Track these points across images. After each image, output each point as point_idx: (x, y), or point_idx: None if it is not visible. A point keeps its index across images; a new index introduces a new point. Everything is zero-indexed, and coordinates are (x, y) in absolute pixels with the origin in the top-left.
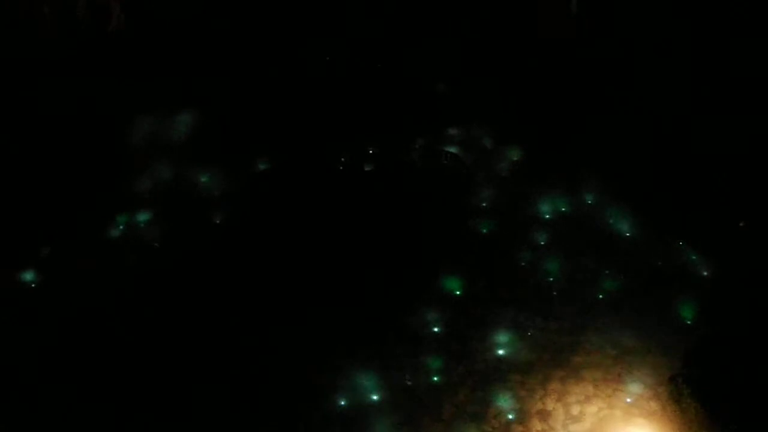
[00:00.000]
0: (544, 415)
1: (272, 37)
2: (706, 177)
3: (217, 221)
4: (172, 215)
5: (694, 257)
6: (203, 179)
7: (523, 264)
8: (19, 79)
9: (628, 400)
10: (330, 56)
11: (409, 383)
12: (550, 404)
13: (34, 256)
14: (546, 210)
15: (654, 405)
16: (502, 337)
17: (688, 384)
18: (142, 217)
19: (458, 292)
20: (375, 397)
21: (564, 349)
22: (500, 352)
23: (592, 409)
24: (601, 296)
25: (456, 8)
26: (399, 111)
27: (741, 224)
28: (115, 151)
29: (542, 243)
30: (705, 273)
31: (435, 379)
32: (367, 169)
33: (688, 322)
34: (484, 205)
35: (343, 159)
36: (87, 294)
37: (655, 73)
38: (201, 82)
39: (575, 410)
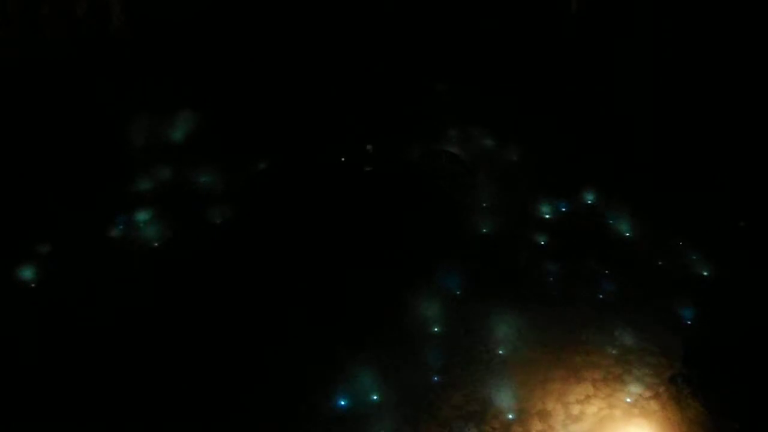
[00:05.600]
0: (544, 415)
1: (272, 38)
2: (706, 177)
3: (217, 221)
4: (172, 215)
5: (694, 257)
6: (203, 179)
7: (523, 264)
8: (19, 79)
9: (628, 400)
10: (331, 58)
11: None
12: (550, 404)
13: (34, 256)
14: (546, 210)
15: (654, 405)
16: (502, 337)
17: (688, 384)
18: (142, 217)
19: (458, 292)
20: (375, 397)
21: (564, 349)
22: (500, 351)
23: (592, 409)
24: (601, 296)
25: (456, 8)
26: (399, 111)
27: (741, 224)
28: (115, 151)
29: (542, 243)
30: (705, 273)
31: (435, 379)
32: (367, 169)
33: (688, 322)
34: (484, 205)
35: (342, 159)
36: (87, 293)
37: (656, 73)
38: (201, 82)
39: (575, 410)
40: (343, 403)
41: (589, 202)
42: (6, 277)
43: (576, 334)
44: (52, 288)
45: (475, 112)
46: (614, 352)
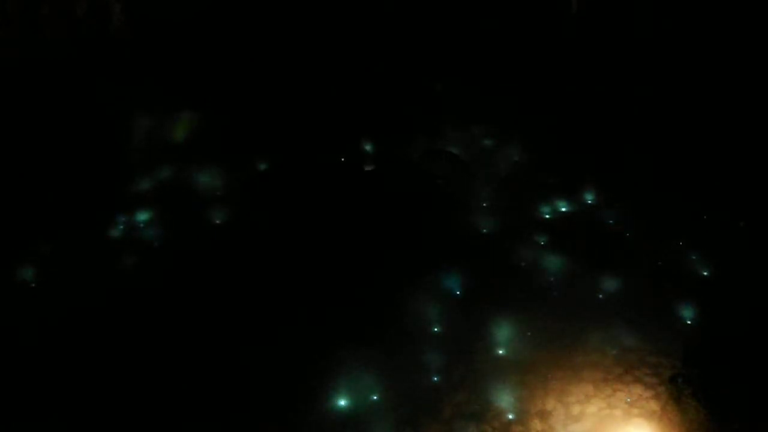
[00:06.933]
0: (544, 415)
1: (272, 37)
2: (706, 177)
3: (217, 221)
4: (172, 215)
5: (694, 257)
6: (203, 179)
7: (523, 264)
8: (19, 79)
9: (628, 400)
10: (331, 58)
11: None
12: (550, 404)
13: (34, 256)
14: (546, 210)
15: (654, 405)
16: (502, 337)
17: (688, 384)
18: (142, 217)
19: (458, 292)
20: (375, 397)
21: (564, 349)
22: (500, 352)
23: (592, 409)
24: (601, 296)
25: (456, 8)
26: (398, 111)
27: (741, 224)
28: (115, 151)
29: (542, 243)
30: (705, 273)
31: (435, 379)
32: (366, 169)
33: (688, 322)
34: (484, 205)
35: (342, 159)
36: (87, 294)
37: (656, 73)
38: (201, 82)
39: (575, 410)
40: (342, 403)
41: (589, 202)
42: (6, 277)
43: (576, 334)
44: (52, 288)
45: (475, 112)
46: (614, 352)
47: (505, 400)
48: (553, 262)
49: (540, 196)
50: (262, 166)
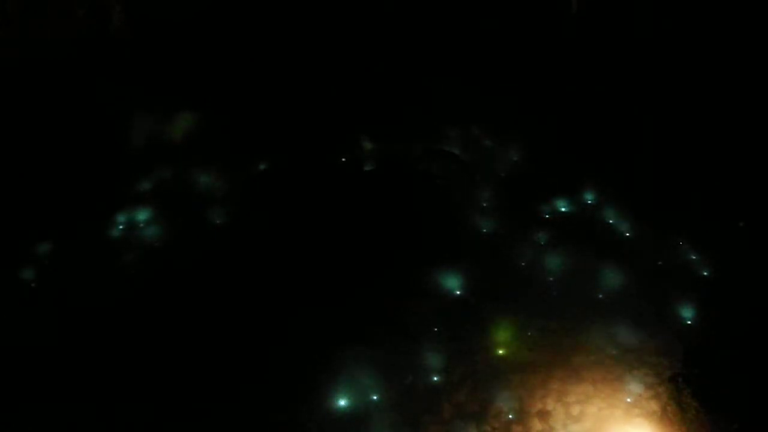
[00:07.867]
0: (544, 415)
1: (272, 37)
2: (706, 177)
3: (217, 221)
4: (172, 215)
5: (694, 257)
6: (203, 179)
7: (523, 264)
8: (19, 79)
9: (628, 400)
10: (331, 58)
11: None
12: (550, 404)
13: (34, 256)
14: (546, 210)
15: (654, 405)
16: (502, 337)
17: (688, 384)
18: (142, 216)
19: (458, 292)
20: (375, 397)
21: (564, 349)
22: (500, 352)
23: (592, 409)
24: (601, 296)
25: (456, 8)
26: (399, 111)
27: (741, 224)
28: (115, 151)
29: (542, 243)
30: (705, 273)
31: (435, 379)
32: (366, 168)
33: (688, 322)
34: (484, 205)
35: (343, 159)
36: (87, 294)
37: (656, 73)
38: (201, 82)
39: (575, 410)
40: (342, 402)
41: (589, 202)
42: (6, 277)
43: (576, 334)
44: (52, 288)
45: (475, 112)
46: (614, 352)
47: (505, 400)
48: (553, 261)
49: (540, 196)
50: (262, 166)
